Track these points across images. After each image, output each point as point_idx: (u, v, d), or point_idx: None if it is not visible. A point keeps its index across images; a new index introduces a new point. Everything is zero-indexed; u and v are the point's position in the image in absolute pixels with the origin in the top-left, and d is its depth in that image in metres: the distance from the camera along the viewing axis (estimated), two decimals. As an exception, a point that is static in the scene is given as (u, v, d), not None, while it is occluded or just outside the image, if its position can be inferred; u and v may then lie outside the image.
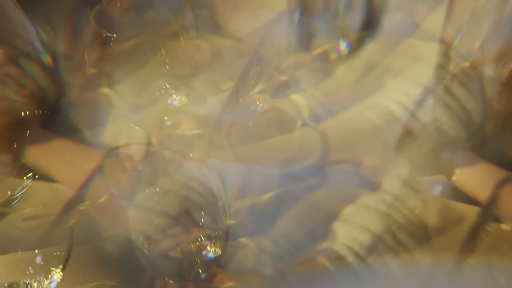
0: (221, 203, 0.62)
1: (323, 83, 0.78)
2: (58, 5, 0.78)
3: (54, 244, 0.54)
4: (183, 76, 0.70)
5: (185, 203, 0.62)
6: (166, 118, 0.69)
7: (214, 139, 0.74)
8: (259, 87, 0.76)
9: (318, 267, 0.72)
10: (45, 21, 0.75)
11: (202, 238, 0.63)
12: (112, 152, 0.64)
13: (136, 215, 0.61)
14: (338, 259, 0.69)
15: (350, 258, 0.68)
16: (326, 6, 0.70)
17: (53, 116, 0.79)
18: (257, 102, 0.69)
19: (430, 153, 0.78)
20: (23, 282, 0.53)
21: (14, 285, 0.53)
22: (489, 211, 0.64)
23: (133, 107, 0.72)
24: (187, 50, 0.70)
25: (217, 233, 0.63)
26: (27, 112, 0.72)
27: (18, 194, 0.63)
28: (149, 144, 0.71)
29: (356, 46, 0.74)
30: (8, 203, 0.62)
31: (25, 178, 0.64)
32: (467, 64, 0.80)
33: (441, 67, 0.80)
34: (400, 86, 0.79)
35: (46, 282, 0.52)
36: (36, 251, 0.53)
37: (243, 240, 0.72)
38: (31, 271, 0.52)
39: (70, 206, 0.65)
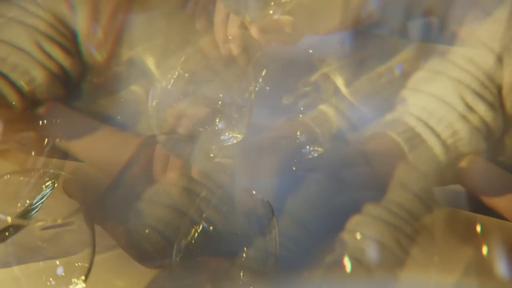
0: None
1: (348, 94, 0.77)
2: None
3: (76, 252, 0.52)
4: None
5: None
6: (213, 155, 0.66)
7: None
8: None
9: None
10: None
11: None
12: (149, 140, 0.63)
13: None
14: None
15: None
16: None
17: (75, 96, 0.79)
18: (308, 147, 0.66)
19: (447, 164, 0.77)
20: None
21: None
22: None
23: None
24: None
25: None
26: (51, 93, 0.72)
27: (38, 204, 0.61)
28: None
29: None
30: (27, 213, 0.61)
31: (44, 187, 0.63)
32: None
33: (458, 80, 0.79)
34: (418, 100, 0.77)
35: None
36: (57, 261, 0.52)
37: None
38: (52, 282, 0.51)
39: (108, 192, 0.64)
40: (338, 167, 0.75)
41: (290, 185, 0.70)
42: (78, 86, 0.80)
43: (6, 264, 0.51)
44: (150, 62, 0.73)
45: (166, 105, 0.62)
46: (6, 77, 0.71)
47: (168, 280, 0.64)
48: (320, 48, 0.72)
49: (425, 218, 0.69)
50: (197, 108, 0.62)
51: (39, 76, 0.72)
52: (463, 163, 0.76)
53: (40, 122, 0.67)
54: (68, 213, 0.62)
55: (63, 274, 0.51)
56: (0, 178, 0.51)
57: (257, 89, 0.64)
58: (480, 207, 0.76)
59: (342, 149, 0.78)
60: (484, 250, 0.65)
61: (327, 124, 0.74)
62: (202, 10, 0.68)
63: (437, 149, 0.75)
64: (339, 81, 0.74)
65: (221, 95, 0.62)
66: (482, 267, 0.65)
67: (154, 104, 0.62)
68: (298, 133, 0.64)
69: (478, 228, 0.69)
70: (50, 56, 0.74)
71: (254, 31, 0.63)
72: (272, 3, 0.61)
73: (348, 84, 0.76)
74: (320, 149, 0.64)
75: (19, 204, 0.58)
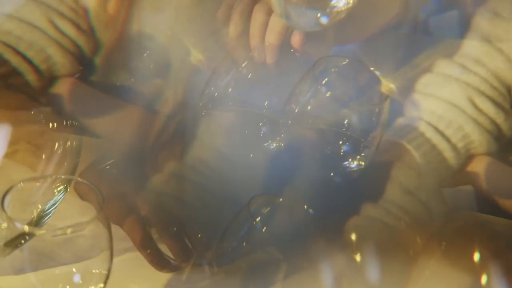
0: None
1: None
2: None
3: (91, 257, 0.51)
4: None
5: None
6: None
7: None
8: None
9: None
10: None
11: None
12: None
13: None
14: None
15: None
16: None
17: (89, 72, 0.77)
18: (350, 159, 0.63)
19: (459, 167, 0.75)
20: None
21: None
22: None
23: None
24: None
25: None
26: (67, 71, 0.71)
27: (50, 209, 0.59)
28: None
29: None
30: (40, 219, 0.58)
31: (56, 192, 0.61)
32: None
33: (467, 83, 0.78)
34: (427, 104, 0.76)
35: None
36: (74, 269, 0.50)
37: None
38: (70, 290, 0.49)
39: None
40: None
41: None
42: (92, 62, 0.79)
43: (21, 271, 0.49)
44: (161, 38, 0.71)
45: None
46: (23, 56, 0.69)
47: (182, 284, 0.62)
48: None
49: (425, 219, 0.69)
50: None
51: (54, 53, 0.71)
52: (473, 164, 0.75)
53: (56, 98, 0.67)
54: (80, 216, 0.61)
55: (80, 281, 0.49)
56: (14, 186, 0.49)
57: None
58: (490, 208, 0.74)
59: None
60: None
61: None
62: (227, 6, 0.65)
63: (448, 153, 0.74)
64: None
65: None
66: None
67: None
68: (340, 142, 0.62)
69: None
70: (64, 34, 0.73)
71: (296, 40, 0.60)
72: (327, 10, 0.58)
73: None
74: (362, 163, 0.61)
75: (34, 211, 0.56)
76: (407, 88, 0.79)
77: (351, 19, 0.66)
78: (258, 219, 0.57)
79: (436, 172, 0.74)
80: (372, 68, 0.64)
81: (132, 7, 0.75)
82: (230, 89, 0.63)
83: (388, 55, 0.76)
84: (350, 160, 0.61)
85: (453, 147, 0.75)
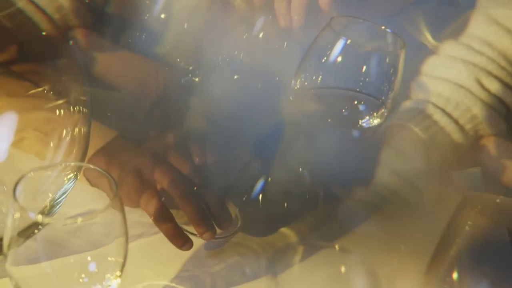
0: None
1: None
2: None
3: (106, 244, 0.48)
4: None
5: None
6: None
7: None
8: None
9: None
10: None
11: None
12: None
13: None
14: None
15: None
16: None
17: (102, 25, 0.75)
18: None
19: (468, 149, 0.73)
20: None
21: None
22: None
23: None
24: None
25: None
26: (79, 20, 0.69)
27: (61, 198, 0.57)
28: None
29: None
30: (51, 208, 0.56)
31: (65, 179, 0.58)
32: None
33: (474, 64, 0.75)
34: (434, 87, 0.74)
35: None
36: (89, 257, 0.48)
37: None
38: (85, 279, 0.47)
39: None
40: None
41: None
42: (103, 13, 0.76)
43: (35, 260, 0.47)
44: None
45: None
46: (36, 5, 0.67)
47: (197, 268, 0.60)
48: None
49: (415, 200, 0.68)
50: None
51: (65, 2, 0.68)
52: (482, 145, 0.73)
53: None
54: (91, 202, 0.59)
55: (96, 270, 0.47)
56: (25, 176, 0.47)
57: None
58: (499, 189, 0.73)
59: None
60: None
61: None
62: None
63: (456, 135, 0.72)
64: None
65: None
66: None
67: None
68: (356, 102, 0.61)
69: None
70: None
71: (323, 0, 0.58)
72: None
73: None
74: (379, 120, 0.61)
75: (45, 200, 0.53)
76: (413, 71, 0.77)
77: None
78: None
79: (444, 154, 0.72)
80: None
81: None
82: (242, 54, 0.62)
83: (415, 28, 0.74)
84: (367, 118, 0.59)
85: (461, 128, 0.73)
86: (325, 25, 0.59)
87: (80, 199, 0.61)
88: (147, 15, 0.73)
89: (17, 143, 0.61)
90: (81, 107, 0.58)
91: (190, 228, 0.61)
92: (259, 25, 0.62)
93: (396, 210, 0.68)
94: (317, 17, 0.60)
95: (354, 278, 0.54)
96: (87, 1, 0.73)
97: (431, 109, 0.73)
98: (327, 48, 0.58)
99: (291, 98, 0.61)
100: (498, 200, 0.52)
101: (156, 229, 0.63)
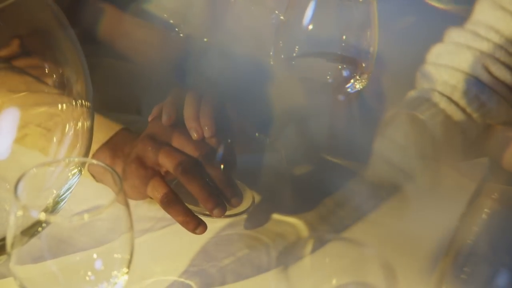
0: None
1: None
2: None
3: (111, 240, 0.46)
4: None
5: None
6: None
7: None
8: None
9: None
10: None
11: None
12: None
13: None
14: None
15: None
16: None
17: None
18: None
19: (477, 138, 0.71)
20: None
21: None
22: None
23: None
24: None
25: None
26: None
27: (66, 194, 0.55)
28: None
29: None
30: (55, 205, 0.54)
31: (70, 175, 0.56)
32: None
33: (481, 50, 0.73)
34: (440, 75, 0.71)
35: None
36: (95, 254, 0.45)
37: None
38: (92, 277, 0.45)
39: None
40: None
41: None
42: None
43: (40, 258, 0.45)
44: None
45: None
46: None
47: (206, 262, 0.58)
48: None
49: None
50: None
51: None
52: (490, 134, 0.71)
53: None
54: (96, 198, 0.57)
55: (103, 267, 0.45)
56: (27, 172, 0.44)
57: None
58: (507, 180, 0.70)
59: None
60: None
61: None
62: (170, 106, 0.62)
63: (464, 123, 0.69)
64: None
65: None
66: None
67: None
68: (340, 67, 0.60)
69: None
70: None
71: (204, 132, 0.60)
72: None
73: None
74: (364, 81, 0.60)
75: (49, 197, 0.51)
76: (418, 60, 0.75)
77: None
78: None
79: (451, 142, 0.70)
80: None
81: None
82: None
83: None
84: (352, 82, 0.59)
85: (469, 117, 0.70)
86: None
87: (86, 195, 0.58)
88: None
89: (20, 139, 0.59)
90: (83, 101, 0.56)
91: (200, 209, 0.59)
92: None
93: (409, 198, 0.66)
94: None
95: (365, 270, 0.52)
96: None
97: (437, 97, 0.70)
98: (300, 12, 0.57)
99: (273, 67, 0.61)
100: None
101: (163, 223, 0.61)
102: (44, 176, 0.53)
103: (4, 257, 0.54)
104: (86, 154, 0.57)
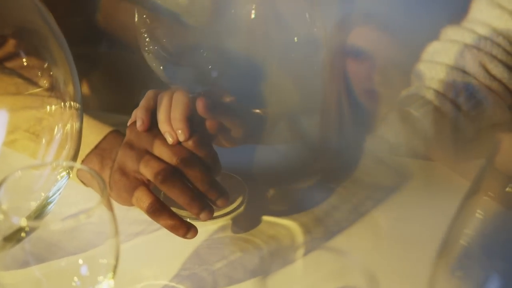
0: None
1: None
2: None
3: (98, 245, 0.45)
4: None
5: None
6: None
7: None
8: None
9: None
10: None
11: None
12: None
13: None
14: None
15: None
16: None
17: None
18: None
19: (473, 137, 0.69)
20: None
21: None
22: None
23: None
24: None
25: None
26: None
27: (54, 196, 0.54)
28: None
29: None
30: (44, 207, 0.53)
31: (58, 177, 0.55)
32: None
33: (477, 48, 0.71)
34: (435, 72, 0.69)
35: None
36: (81, 260, 0.44)
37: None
38: (77, 282, 0.43)
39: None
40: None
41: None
42: None
43: (25, 264, 0.44)
44: None
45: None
46: None
47: (198, 266, 0.56)
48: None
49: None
50: None
51: None
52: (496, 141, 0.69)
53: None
54: (86, 202, 0.55)
55: (88, 273, 0.43)
56: (10, 175, 0.43)
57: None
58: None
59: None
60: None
61: None
62: (143, 111, 0.59)
63: (460, 122, 0.68)
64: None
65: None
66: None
67: None
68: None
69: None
70: None
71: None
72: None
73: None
74: None
75: (38, 199, 0.50)
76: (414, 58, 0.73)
77: None
78: None
79: (447, 141, 0.68)
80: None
81: None
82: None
83: None
84: None
85: (465, 115, 0.68)
86: None
87: (77, 198, 0.57)
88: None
89: (9, 143, 0.58)
90: (72, 102, 0.55)
91: (189, 214, 0.57)
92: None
93: (405, 199, 0.64)
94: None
95: (354, 277, 0.51)
96: None
97: (432, 95, 0.68)
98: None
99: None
100: (508, 189, 0.47)
101: (154, 226, 0.60)
102: (32, 178, 0.52)
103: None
104: (75, 156, 0.56)
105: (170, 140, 0.56)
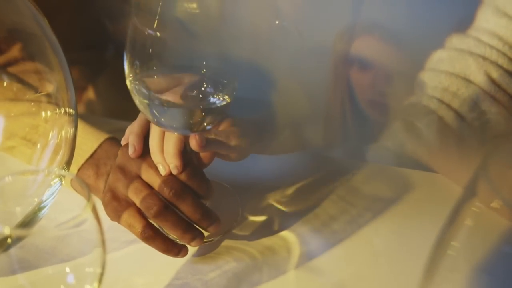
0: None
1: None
2: None
3: (85, 254, 0.44)
4: None
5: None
6: None
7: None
8: None
9: None
10: None
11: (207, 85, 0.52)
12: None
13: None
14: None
15: None
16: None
17: None
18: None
19: (477, 146, 0.67)
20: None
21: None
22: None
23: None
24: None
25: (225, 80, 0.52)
26: None
27: (48, 200, 0.53)
28: None
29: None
30: (37, 211, 0.52)
31: (52, 183, 0.54)
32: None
33: (483, 57, 0.69)
34: (439, 81, 0.67)
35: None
36: (67, 268, 0.43)
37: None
38: (63, 291, 0.42)
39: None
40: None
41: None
42: None
43: (11, 272, 0.43)
44: None
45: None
46: None
47: (191, 276, 0.55)
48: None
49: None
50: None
51: None
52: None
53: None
54: (81, 209, 0.54)
55: (74, 282, 0.42)
56: (1, 180, 0.42)
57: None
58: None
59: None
60: None
61: None
62: (136, 137, 0.58)
63: (463, 132, 0.65)
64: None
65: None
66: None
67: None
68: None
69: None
70: None
71: (193, 144, 0.54)
72: (201, 113, 0.52)
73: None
74: (227, 97, 0.54)
75: (30, 205, 0.49)
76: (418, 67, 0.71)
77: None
78: None
79: (449, 150, 0.66)
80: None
81: None
82: None
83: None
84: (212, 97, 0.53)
85: (469, 125, 0.66)
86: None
87: (70, 205, 0.56)
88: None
89: (7, 150, 0.57)
90: (67, 109, 0.54)
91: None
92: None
93: (405, 211, 0.62)
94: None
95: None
96: None
97: (435, 104, 0.66)
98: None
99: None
100: (492, 204, 0.45)
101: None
102: (25, 183, 0.51)
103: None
104: (69, 161, 0.55)
105: (162, 171, 0.55)
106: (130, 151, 0.57)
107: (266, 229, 0.60)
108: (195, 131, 0.53)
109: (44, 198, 0.52)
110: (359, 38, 0.74)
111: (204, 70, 0.53)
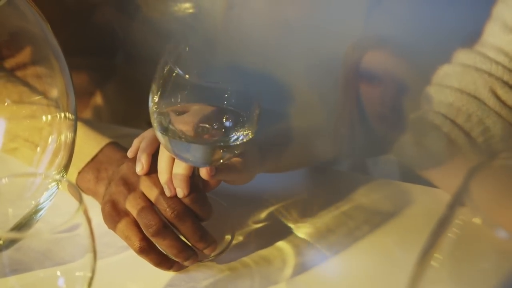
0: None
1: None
2: None
3: (76, 259, 0.44)
4: None
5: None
6: None
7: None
8: None
9: None
10: None
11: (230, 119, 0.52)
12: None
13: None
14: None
15: None
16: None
17: None
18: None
19: (482, 165, 0.66)
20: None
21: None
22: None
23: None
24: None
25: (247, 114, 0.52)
26: None
27: (45, 203, 0.53)
28: None
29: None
30: (34, 213, 0.52)
31: (49, 186, 0.54)
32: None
33: (488, 73, 0.68)
34: (445, 96, 0.66)
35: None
36: (58, 272, 0.43)
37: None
38: (53, 295, 0.42)
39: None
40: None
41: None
42: None
43: (3, 274, 0.43)
44: None
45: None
46: None
47: (185, 283, 0.55)
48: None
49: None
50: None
51: None
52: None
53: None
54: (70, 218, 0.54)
55: (65, 285, 0.42)
56: (-1, 182, 0.42)
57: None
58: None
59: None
60: None
61: None
62: (146, 156, 0.57)
63: (468, 148, 0.64)
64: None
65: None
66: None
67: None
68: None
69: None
70: None
71: (203, 174, 0.54)
72: (221, 150, 0.52)
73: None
74: (249, 133, 0.53)
75: (27, 207, 0.49)
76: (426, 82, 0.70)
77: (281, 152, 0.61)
78: None
79: (454, 167, 0.65)
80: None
81: None
82: None
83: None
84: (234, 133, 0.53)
85: (473, 142, 0.65)
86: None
87: (68, 208, 0.56)
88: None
89: (10, 151, 0.58)
90: (68, 113, 0.54)
91: None
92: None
93: (404, 225, 0.62)
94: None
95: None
96: None
97: (440, 120, 0.66)
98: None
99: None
100: (474, 220, 0.44)
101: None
102: (23, 185, 0.51)
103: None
104: (67, 165, 0.55)
105: (168, 193, 0.54)
106: (138, 168, 0.56)
107: (262, 239, 0.60)
108: (212, 165, 0.54)
109: (41, 201, 0.52)
110: (370, 51, 0.73)
111: (226, 103, 0.52)
